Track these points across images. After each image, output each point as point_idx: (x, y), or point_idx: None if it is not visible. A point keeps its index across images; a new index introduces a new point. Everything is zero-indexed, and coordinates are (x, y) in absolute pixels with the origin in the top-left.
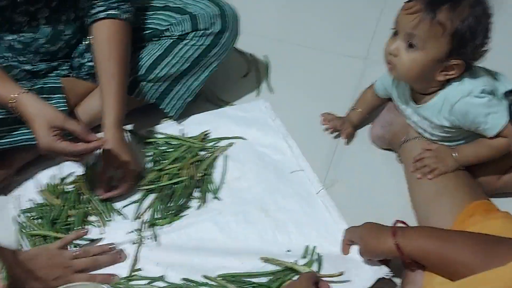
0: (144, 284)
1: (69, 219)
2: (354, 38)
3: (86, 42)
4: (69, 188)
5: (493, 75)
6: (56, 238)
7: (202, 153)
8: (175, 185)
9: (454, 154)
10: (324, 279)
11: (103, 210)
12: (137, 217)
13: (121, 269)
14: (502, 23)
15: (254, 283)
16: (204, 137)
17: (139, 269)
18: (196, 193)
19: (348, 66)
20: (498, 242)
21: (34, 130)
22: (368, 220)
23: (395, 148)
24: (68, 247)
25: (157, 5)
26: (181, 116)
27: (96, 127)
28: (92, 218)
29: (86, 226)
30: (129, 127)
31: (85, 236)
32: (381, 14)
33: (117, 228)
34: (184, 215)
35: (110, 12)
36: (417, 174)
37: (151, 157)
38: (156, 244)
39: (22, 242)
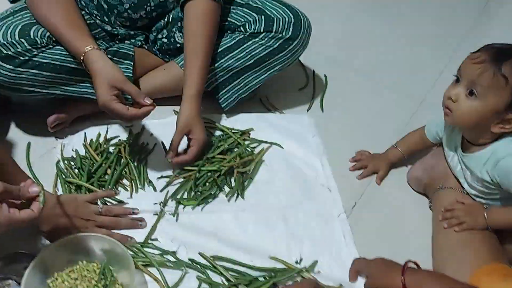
0: (156, 254)
1: (105, 177)
2: (416, 80)
3: (166, 20)
4: (112, 149)
5: None
6: (89, 191)
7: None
8: (214, 173)
9: (485, 214)
10: None
11: (137, 176)
12: (164, 190)
13: (139, 235)
14: None
15: (251, 276)
16: (248, 135)
17: (156, 239)
18: (226, 187)
19: (403, 106)
20: None
21: (96, 86)
22: (381, 256)
23: (430, 194)
24: (99, 202)
25: (240, 1)
26: (230, 110)
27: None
28: (125, 181)
29: (118, 188)
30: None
31: (114, 197)
32: (449, 61)
33: (145, 197)
34: (209, 202)
35: None
36: (444, 224)
37: None
38: (175, 221)
39: (57, 186)
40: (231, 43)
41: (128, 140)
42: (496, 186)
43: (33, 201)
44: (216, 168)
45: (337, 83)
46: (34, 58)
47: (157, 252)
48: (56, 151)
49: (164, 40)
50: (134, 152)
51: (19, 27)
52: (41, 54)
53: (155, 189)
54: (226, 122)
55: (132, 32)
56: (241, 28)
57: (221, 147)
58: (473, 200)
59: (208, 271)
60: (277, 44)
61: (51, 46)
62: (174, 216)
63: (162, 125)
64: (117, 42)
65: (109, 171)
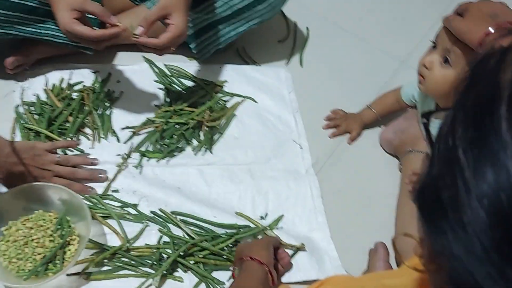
0: (116, 207)
1: (66, 124)
2: (399, 39)
3: None
4: (75, 95)
5: None
6: (48, 138)
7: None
8: (182, 126)
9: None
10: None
11: (100, 126)
12: (129, 141)
13: (100, 188)
14: None
15: (213, 232)
16: (221, 87)
17: (117, 191)
18: (194, 140)
19: (383, 64)
20: None
21: (55, 11)
22: (348, 214)
23: (400, 156)
24: (59, 152)
25: None
26: (204, 61)
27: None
28: (87, 130)
29: (79, 137)
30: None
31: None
32: (435, 23)
33: (108, 147)
34: (175, 156)
35: None
36: (409, 187)
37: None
38: (139, 173)
39: (16, 132)
40: None
41: (92, 86)
42: None
43: None
44: (184, 121)
45: (319, 37)
46: None
47: (117, 204)
48: (16, 94)
49: None
50: (99, 100)
51: None
52: None
53: (118, 140)
54: (199, 73)
55: None
56: None
57: (191, 99)
58: None
59: (170, 225)
60: None
61: None
62: (137, 168)
63: (131, 71)
64: None
65: (70, 119)
